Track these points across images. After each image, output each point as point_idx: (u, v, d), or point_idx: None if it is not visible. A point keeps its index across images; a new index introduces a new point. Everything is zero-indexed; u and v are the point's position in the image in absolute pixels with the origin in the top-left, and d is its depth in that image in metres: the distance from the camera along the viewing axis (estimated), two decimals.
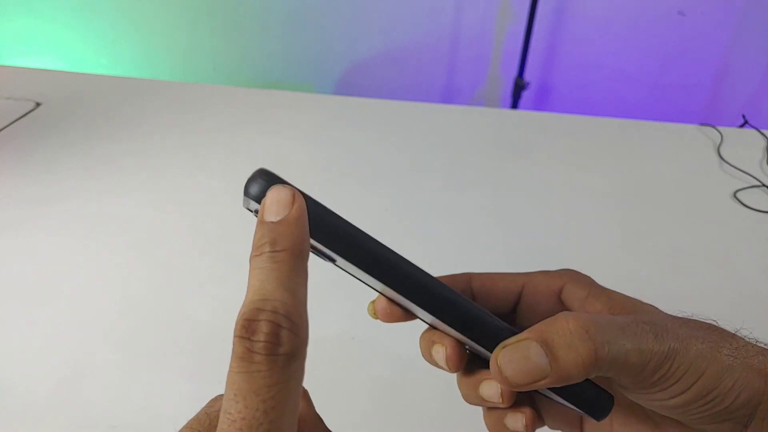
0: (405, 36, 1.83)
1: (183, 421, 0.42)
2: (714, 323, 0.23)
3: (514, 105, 1.80)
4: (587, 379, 0.21)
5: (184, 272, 0.57)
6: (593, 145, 0.82)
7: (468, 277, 0.27)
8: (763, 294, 0.56)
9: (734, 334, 0.23)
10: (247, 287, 0.18)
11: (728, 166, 0.77)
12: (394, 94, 1.04)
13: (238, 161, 0.76)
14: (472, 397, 0.24)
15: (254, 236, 0.19)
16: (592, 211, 0.67)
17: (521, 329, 0.22)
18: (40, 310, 0.52)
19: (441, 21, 1.79)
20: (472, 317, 0.22)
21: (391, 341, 0.49)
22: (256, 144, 0.81)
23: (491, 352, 0.22)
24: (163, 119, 0.87)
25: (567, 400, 0.22)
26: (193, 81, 1.04)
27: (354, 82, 1.92)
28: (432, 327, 0.24)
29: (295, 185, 0.21)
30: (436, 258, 0.60)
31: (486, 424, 0.25)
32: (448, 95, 1.93)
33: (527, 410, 0.23)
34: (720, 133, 0.85)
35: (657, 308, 0.24)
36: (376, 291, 0.23)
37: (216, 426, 0.17)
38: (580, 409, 0.22)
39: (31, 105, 0.89)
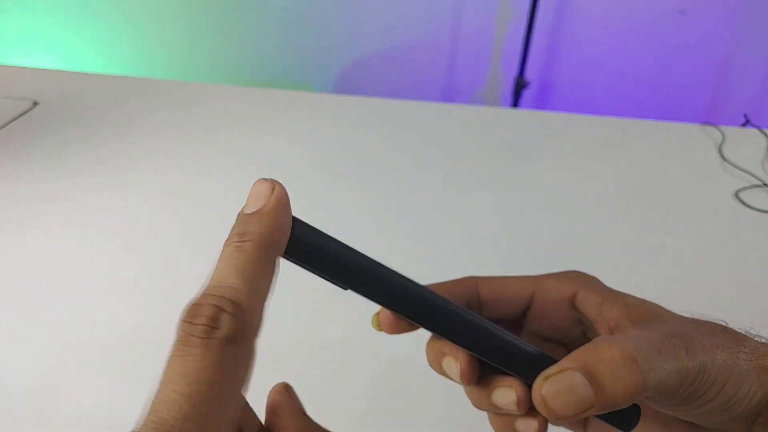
0: (405, 35, 1.83)
1: None
2: (723, 323, 0.23)
3: (515, 104, 1.79)
4: None
5: (184, 271, 0.56)
6: (594, 145, 0.82)
7: (473, 282, 0.26)
8: (765, 293, 0.56)
9: (746, 336, 0.22)
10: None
11: (730, 165, 0.77)
12: (394, 93, 1.03)
13: (238, 160, 0.76)
14: (485, 404, 0.24)
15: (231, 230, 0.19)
16: (592, 210, 0.67)
17: (536, 337, 0.21)
18: (39, 309, 0.52)
19: (441, 19, 1.79)
20: (492, 343, 0.21)
21: (390, 342, 0.49)
22: (256, 143, 0.80)
23: (517, 374, 0.21)
24: (161, 118, 0.87)
25: (598, 416, 0.21)
26: (192, 80, 1.04)
27: (354, 81, 1.92)
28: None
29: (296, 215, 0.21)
30: (436, 257, 0.59)
31: (493, 427, 0.24)
32: (449, 94, 1.92)
33: (540, 417, 0.22)
34: (722, 133, 0.85)
35: (670, 311, 0.24)
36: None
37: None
38: (609, 422, 0.22)
39: (29, 104, 0.89)
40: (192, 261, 0.58)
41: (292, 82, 1.95)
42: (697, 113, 1.76)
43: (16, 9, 1.89)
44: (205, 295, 0.17)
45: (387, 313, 0.24)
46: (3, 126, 0.82)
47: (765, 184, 0.72)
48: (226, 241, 0.19)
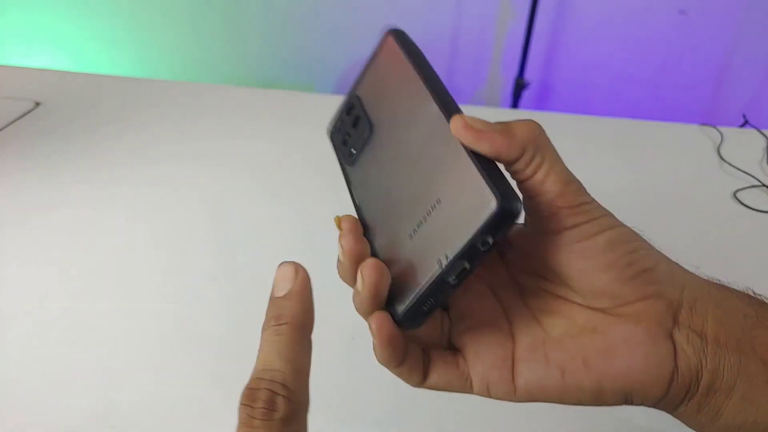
0: None
1: (183, 421, 0.42)
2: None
3: (515, 105, 1.80)
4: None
5: (184, 272, 0.57)
6: (593, 145, 0.82)
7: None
8: (764, 294, 0.56)
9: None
10: (257, 359, 0.21)
11: (728, 165, 0.77)
12: None
13: (239, 160, 0.76)
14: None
15: (266, 312, 0.22)
16: None
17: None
18: (41, 309, 0.52)
19: (441, 21, 1.79)
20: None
21: None
22: (256, 143, 0.80)
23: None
24: (162, 119, 0.87)
25: (482, 170, 0.23)
26: (193, 80, 1.04)
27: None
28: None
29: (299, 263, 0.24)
30: None
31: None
32: None
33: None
34: (720, 133, 0.85)
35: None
36: None
37: None
38: (493, 186, 0.22)
39: (31, 104, 0.89)
40: (194, 261, 0.58)
41: (292, 82, 1.96)
42: (696, 114, 1.77)
43: (19, 9, 1.90)
44: (256, 379, 0.20)
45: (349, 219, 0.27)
46: (5, 126, 0.83)
47: (763, 185, 0.73)
48: (264, 324, 0.22)
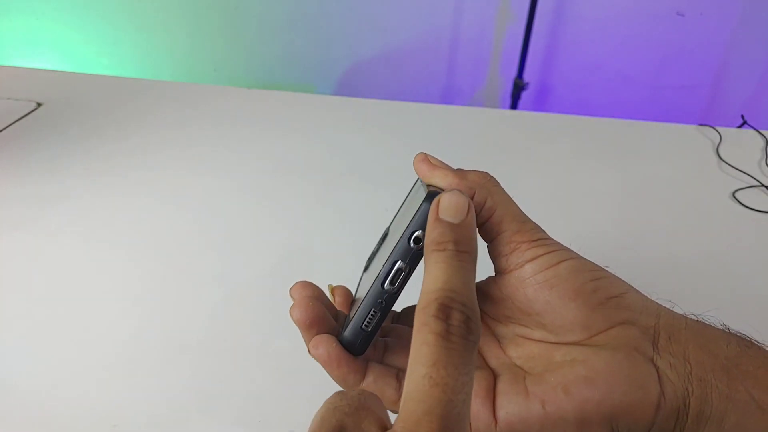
0: (405, 37, 1.84)
1: (184, 421, 0.42)
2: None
3: (514, 106, 1.80)
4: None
5: (185, 271, 0.57)
6: (592, 146, 0.83)
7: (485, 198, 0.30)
8: (762, 294, 0.56)
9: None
10: (431, 275, 0.20)
11: (727, 166, 0.78)
12: (394, 95, 1.04)
13: (240, 161, 0.76)
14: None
15: (432, 231, 0.22)
16: (591, 212, 0.68)
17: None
18: (41, 309, 0.52)
19: (441, 22, 1.79)
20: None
21: None
22: (257, 144, 0.81)
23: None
24: (164, 120, 0.87)
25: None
26: (194, 81, 1.05)
27: (354, 83, 1.92)
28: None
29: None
30: None
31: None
32: (448, 96, 1.93)
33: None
34: (719, 134, 0.85)
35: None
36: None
37: (363, 405, 0.18)
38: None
39: (33, 105, 0.89)
40: (195, 261, 0.59)
41: (293, 83, 1.96)
42: (695, 114, 1.77)
43: (20, 10, 1.90)
44: (448, 297, 0.19)
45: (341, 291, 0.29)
46: (7, 127, 0.83)
47: (762, 185, 0.73)
48: (437, 244, 0.21)
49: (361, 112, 0.91)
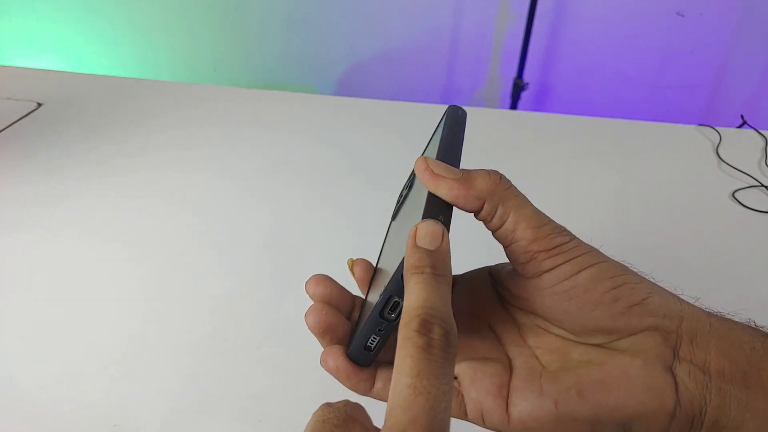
0: (405, 37, 1.84)
1: (184, 420, 0.42)
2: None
3: (514, 106, 1.80)
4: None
5: (185, 272, 0.57)
6: (592, 146, 0.83)
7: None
8: (762, 294, 0.56)
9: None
10: (412, 294, 0.21)
11: (727, 166, 0.78)
12: (394, 95, 1.04)
13: (239, 161, 0.77)
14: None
15: (411, 256, 0.23)
16: (590, 212, 0.68)
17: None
18: (42, 309, 0.52)
19: (441, 22, 1.79)
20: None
21: None
22: (257, 144, 0.81)
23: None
24: (164, 120, 0.87)
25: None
26: (194, 82, 1.05)
27: (354, 83, 1.93)
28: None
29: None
30: None
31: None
32: (448, 96, 1.93)
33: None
34: (718, 134, 0.85)
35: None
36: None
37: (350, 417, 0.20)
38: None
39: (33, 105, 0.89)
40: (195, 261, 0.59)
41: (293, 84, 1.96)
42: (694, 114, 1.77)
43: (21, 10, 1.90)
44: (428, 314, 0.20)
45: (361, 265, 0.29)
46: (7, 127, 0.83)
47: (762, 185, 0.73)
48: (416, 268, 0.22)
49: (361, 112, 0.91)
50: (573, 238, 0.26)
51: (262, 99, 0.95)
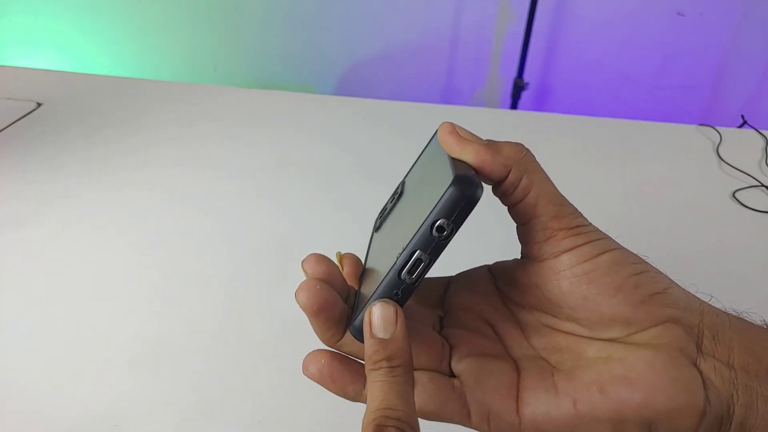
0: (405, 37, 1.84)
1: (185, 420, 0.42)
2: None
3: (514, 105, 1.80)
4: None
5: (186, 272, 0.57)
6: (592, 146, 0.83)
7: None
8: (763, 293, 0.56)
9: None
10: (370, 396, 0.21)
11: (727, 166, 0.78)
12: (394, 95, 1.04)
13: (240, 160, 0.77)
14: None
15: (367, 349, 0.22)
16: (590, 212, 0.67)
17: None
18: (42, 309, 0.52)
19: (441, 22, 1.79)
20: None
21: None
22: (257, 144, 0.81)
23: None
24: (164, 120, 0.87)
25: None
26: (195, 82, 1.05)
27: (354, 83, 1.93)
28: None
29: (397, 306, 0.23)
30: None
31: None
32: (448, 96, 1.93)
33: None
34: (719, 134, 0.85)
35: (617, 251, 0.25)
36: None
37: None
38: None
39: (33, 105, 0.89)
40: (196, 260, 0.59)
41: (293, 83, 1.96)
42: (695, 114, 1.77)
43: (20, 10, 1.90)
44: (383, 416, 0.20)
45: (351, 259, 0.27)
46: (7, 126, 0.83)
47: (762, 185, 0.73)
48: (373, 364, 0.22)
49: (361, 112, 0.91)
50: (590, 223, 0.25)
51: (262, 99, 0.95)
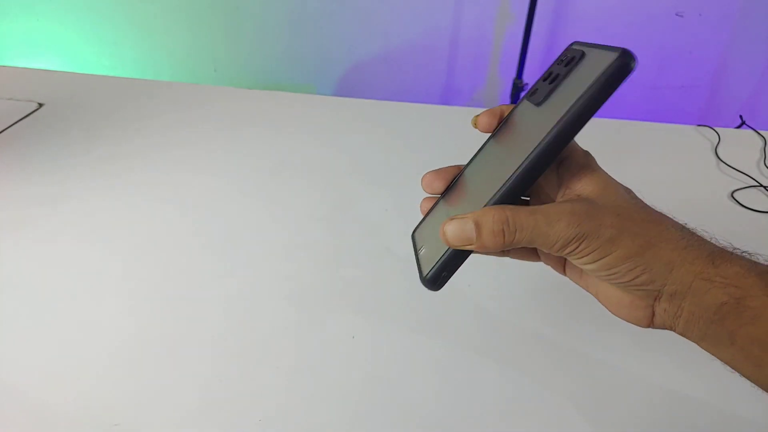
0: (405, 37, 1.84)
1: (186, 420, 0.42)
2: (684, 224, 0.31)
3: None
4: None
5: (186, 272, 0.57)
6: (591, 146, 0.82)
7: None
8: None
9: (680, 227, 0.32)
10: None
11: (726, 166, 0.78)
12: (393, 96, 1.04)
13: (240, 162, 0.77)
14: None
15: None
16: None
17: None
18: (42, 309, 0.52)
19: (440, 23, 1.80)
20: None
21: (391, 341, 0.50)
22: (258, 145, 0.81)
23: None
24: (164, 120, 0.88)
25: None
26: (195, 82, 1.05)
27: (354, 84, 1.93)
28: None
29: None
30: None
31: None
32: (448, 96, 1.93)
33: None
34: (717, 134, 0.86)
35: (629, 192, 0.34)
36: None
37: None
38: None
39: (34, 106, 0.90)
40: (196, 261, 0.59)
41: (293, 84, 1.96)
42: (693, 115, 1.78)
43: (22, 11, 1.90)
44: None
45: (485, 117, 0.36)
46: (8, 127, 0.83)
47: (760, 185, 0.74)
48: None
49: (361, 112, 0.92)
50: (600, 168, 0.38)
51: (262, 99, 0.95)
